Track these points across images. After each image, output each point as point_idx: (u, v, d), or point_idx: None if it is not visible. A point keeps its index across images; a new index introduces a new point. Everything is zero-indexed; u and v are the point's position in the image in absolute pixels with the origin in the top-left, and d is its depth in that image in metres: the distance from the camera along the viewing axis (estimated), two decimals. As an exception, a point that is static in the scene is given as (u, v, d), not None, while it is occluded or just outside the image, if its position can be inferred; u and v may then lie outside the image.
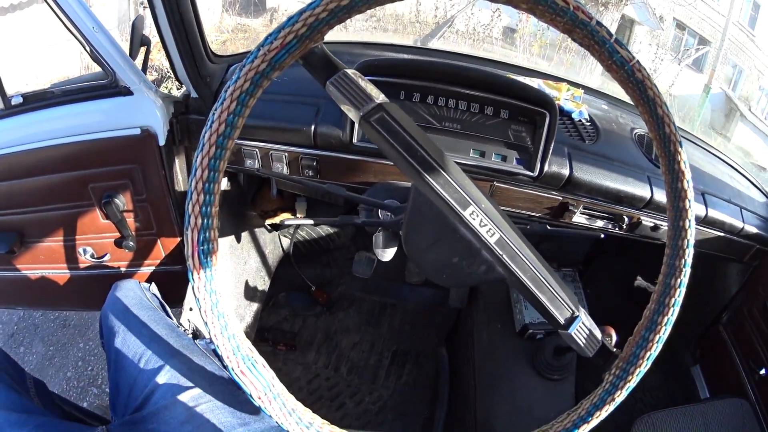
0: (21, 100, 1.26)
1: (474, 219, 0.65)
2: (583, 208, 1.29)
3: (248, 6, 9.76)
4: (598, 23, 0.60)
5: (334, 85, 0.63)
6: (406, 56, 1.45)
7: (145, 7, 1.12)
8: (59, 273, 1.53)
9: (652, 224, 1.32)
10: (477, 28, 6.09)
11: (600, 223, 1.34)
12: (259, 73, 0.58)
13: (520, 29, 6.05)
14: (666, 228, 1.29)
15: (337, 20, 0.58)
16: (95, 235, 1.44)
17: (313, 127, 1.18)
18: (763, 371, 1.52)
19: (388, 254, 1.01)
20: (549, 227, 1.17)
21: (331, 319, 2.17)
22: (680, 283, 0.68)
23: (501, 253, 0.66)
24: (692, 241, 0.68)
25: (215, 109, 0.58)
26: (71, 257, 1.49)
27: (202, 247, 0.58)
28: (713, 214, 1.35)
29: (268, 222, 1.85)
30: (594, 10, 5.71)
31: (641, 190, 1.26)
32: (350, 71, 0.63)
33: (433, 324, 2.17)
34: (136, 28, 1.29)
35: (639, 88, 0.63)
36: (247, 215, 1.81)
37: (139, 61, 1.28)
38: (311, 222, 1.13)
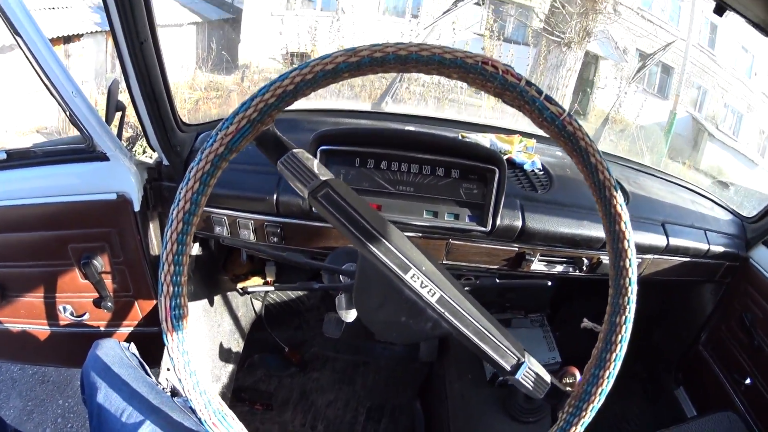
0: (5, 156, 1.31)
1: (415, 281, 0.69)
2: (541, 256, 1.34)
3: (220, 63, 9.90)
4: (528, 83, 0.64)
5: (283, 165, 0.68)
6: (364, 122, 1.52)
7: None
8: (40, 328, 1.55)
9: None
10: (442, 79, 6.27)
11: (560, 268, 1.38)
12: (218, 156, 0.63)
13: None
14: None
15: (285, 104, 0.63)
16: (75, 293, 1.47)
17: (275, 196, 1.24)
18: (748, 380, 1.55)
19: (351, 315, 1.05)
20: (498, 280, 1.21)
21: (306, 379, 2.17)
22: (625, 320, 0.71)
23: (442, 310, 0.71)
24: (634, 279, 0.71)
25: (181, 189, 0.63)
26: (51, 314, 1.51)
27: (174, 312, 0.64)
28: (675, 242, 1.41)
29: (239, 286, 1.86)
30: (557, 51, 5.91)
31: (598, 232, 1.31)
32: (298, 151, 0.69)
33: (405, 379, 2.18)
34: (111, 93, 1.33)
35: (571, 140, 0.67)
36: (219, 279, 1.84)
37: (115, 124, 1.34)
38: (272, 288, 1.16)
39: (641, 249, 1.40)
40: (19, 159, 1.32)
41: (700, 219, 1.54)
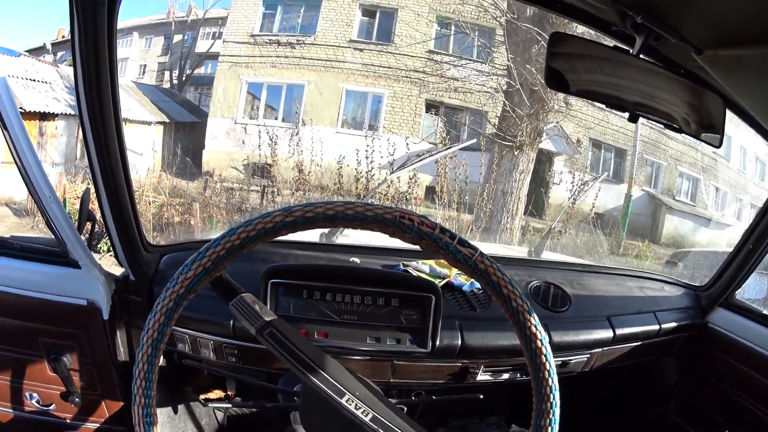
0: (-19, 239, 1.38)
1: (350, 404, 0.82)
2: (485, 367, 1.43)
3: (184, 168, 10.16)
4: (441, 230, 0.77)
5: (234, 307, 0.84)
6: (312, 254, 1.62)
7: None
8: (3, 411, 1.54)
9: (560, 362, 1.46)
10: (397, 195, 6.55)
11: (506, 375, 1.47)
12: (179, 296, 0.77)
13: (438, 187, 6.52)
14: (575, 361, 1.42)
15: (233, 255, 0.76)
16: (43, 383, 1.50)
17: (232, 322, 1.32)
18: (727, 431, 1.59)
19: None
20: (434, 397, 1.34)
21: (273, 487, 2.13)
22: (550, 421, 0.81)
23: (376, 427, 0.82)
24: (556, 386, 0.81)
25: (149, 320, 0.77)
26: (17, 399, 1.52)
27: (145, 419, 0.76)
28: (622, 331, 1.51)
29: (201, 397, 1.88)
30: (510, 155, 6.19)
31: None
32: (246, 295, 0.83)
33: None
34: (83, 203, 1.42)
35: (484, 276, 0.79)
36: (183, 389, 1.86)
37: (86, 234, 1.43)
38: (229, 406, 1.23)
39: (588, 345, 1.50)
40: (-5, 244, 1.41)
41: (648, 303, 1.64)
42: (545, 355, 0.81)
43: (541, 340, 0.81)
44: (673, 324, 1.61)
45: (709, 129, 1.12)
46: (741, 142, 11.74)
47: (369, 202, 1.81)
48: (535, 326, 0.81)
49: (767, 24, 0.79)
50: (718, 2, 0.84)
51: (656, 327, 1.58)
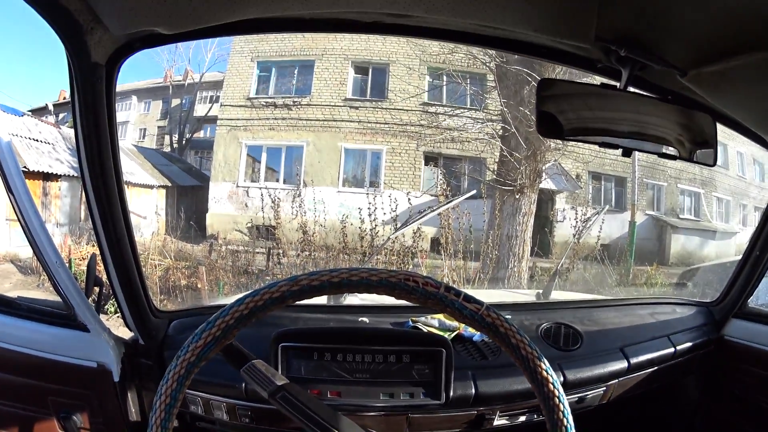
0: (-9, 298, 1.37)
1: None
2: (501, 412, 1.41)
3: (189, 231, 10.24)
4: (447, 288, 0.79)
5: (245, 373, 0.86)
6: (320, 316, 1.62)
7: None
8: None
9: (576, 398, 1.45)
10: (402, 251, 6.56)
11: (522, 418, 1.45)
12: (190, 363, 0.79)
13: (443, 238, 6.55)
14: (591, 395, 1.44)
15: (242, 324, 0.78)
16: None
17: (244, 385, 1.32)
18: None
19: None
20: None
21: None
22: None
23: None
24: (571, 425, 0.81)
25: (162, 386, 0.78)
26: None
27: None
28: (637, 360, 1.50)
29: None
30: (512, 199, 6.21)
31: None
32: (257, 361, 0.85)
33: None
34: (90, 269, 1.43)
35: (492, 329, 0.80)
36: None
37: (93, 298, 1.43)
38: None
39: (603, 378, 1.49)
40: (4, 305, 1.43)
41: (661, 327, 1.63)
42: (558, 397, 0.82)
43: (552, 383, 0.82)
44: (689, 344, 1.60)
45: (703, 145, 1.14)
46: (737, 147, 11.84)
47: (373, 265, 1.83)
48: (546, 370, 0.82)
49: (740, 35, 0.83)
50: (693, 22, 0.87)
51: (671, 350, 1.57)
